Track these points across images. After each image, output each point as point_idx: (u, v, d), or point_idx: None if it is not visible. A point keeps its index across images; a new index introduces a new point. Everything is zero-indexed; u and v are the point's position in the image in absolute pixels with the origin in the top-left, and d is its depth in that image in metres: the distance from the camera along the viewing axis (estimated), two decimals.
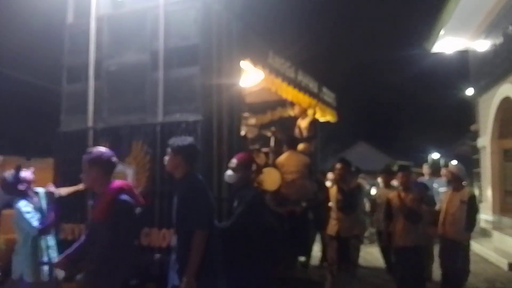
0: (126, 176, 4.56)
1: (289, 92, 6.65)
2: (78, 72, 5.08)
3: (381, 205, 6.39)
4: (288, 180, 6.23)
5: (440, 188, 8.01)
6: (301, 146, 6.89)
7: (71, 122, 5.07)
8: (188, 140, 3.42)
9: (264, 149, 6.84)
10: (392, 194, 5.69)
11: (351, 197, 5.82)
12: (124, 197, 3.11)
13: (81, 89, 5.02)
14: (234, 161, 4.08)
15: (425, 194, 5.86)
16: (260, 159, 6.30)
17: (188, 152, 3.34)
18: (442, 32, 11.32)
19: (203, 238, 3.08)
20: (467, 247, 5.66)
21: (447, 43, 12.14)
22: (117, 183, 3.22)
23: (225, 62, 4.67)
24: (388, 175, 6.93)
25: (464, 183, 5.84)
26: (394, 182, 6.83)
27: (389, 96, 31.23)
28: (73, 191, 4.69)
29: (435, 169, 9.61)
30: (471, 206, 5.55)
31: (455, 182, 5.78)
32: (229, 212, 4.03)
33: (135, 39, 4.77)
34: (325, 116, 7.82)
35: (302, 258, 7.08)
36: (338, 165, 6.05)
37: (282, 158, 6.51)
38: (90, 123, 4.91)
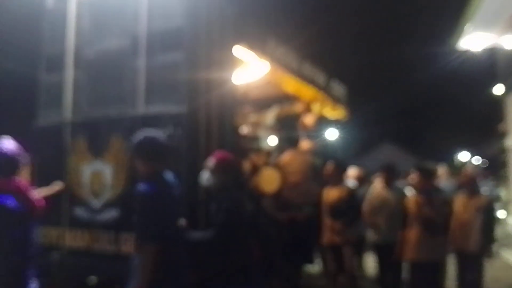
0: (102, 175, 4.09)
1: (292, 85, 6.08)
2: (58, 60, 4.61)
3: (377, 208, 5.50)
4: (290, 182, 5.66)
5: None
6: (305, 145, 6.31)
7: (48, 115, 4.60)
8: (144, 135, 2.87)
9: (266, 148, 6.27)
10: (409, 199, 4.92)
11: (344, 202, 5.33)
12: None
13: (60, 80, 4.55)
14: (212, 161, 3.48)
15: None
16: (260, 159, 5.74)
17: (145, 150, 2.81)
18: (468, 27, 10.72)
19: (151, 254, 2.62)
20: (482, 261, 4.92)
21: (474, 39, 11.64)
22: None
23: (215, 48, 4.11)
24: (389, 173, 5.95)
25: (484, 188, 5.15)
26: (401, 184, 6.18)
27: (415, 95, 30.11)
28: (49, 193, 4.24)
29: (454, 170, 8.92)
30: (489, 216, 4.87)
31: (470, 186, 5.01)
32: (207, 219, 3.48)
33: (116, 23, 4.27)
34: (334, 113, 7.23)
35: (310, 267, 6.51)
36: (328, 166, 5.62)
37: (284, 158, 5.95)
38: (67, 116, 4.43)
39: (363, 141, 28.44)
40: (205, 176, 3.45)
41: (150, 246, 2.64)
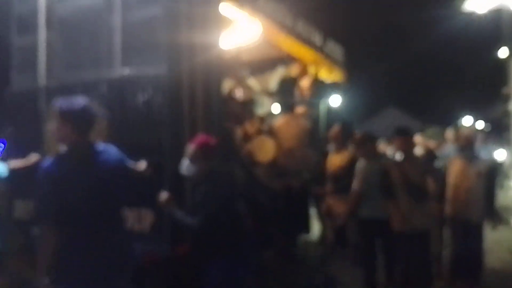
0: None
1: (287, 46, 5.71)
2: (30, 21, 4.24)
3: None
4: (285, 149, 5.38)
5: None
6: (300, 110, 5.99)
7: (22, 80, 4.27)
8: (81, 103, 2.48)
9: (259, 114, 5.94)
10: (390, 165, 4.21)
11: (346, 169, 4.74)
12: None
13: (33, 42, 4.19)
14: (191, 148, 3.08)
15: (430, 165, 4.90)
16: (253, 125, 5.43)
17: (80, 120, 2.42)
18: None
19: (46, 233, 2.31)
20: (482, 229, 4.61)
21: (479, 0, 11.24)
22: None
23: (199, 4, 3.74)
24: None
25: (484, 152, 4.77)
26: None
27: (419, 58, 29.32)
28: (24, 165, 3.98)
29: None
30: (491, 181, 4.52)
31: (468, 149, 4.61)
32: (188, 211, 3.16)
33: None
34: (331, 75, 6.86)
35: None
36: (334, 128, 5.22)
37: (279, 123, 5.65)
38: (41, 81, 4.10)
39: (366, 106, 27.89)
40: (185, 165, 3.09)
41: (45, 227, 2.33)
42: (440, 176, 4.51)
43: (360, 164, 4.34)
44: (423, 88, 32.84)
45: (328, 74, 6.84)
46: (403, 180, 3.94)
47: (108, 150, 2.57)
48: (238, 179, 4.02)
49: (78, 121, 2.42)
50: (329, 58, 6.57)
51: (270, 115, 6.03)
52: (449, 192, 4.48)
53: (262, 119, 5.80)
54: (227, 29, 4.67)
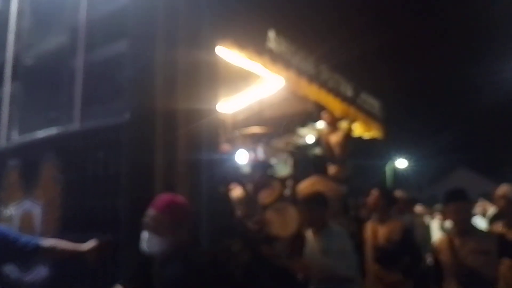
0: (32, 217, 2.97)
1: (313, 96, 4.83)
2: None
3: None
4: None
5: None
6: (332, 170, 4.93)
7: None
8: None
9: (280, 176, 4.93)
10: (441, 241, 3.14)
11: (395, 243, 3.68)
12: None
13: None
14: (151, 213, 2.10)
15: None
16: (274, 189, 4.44)
17: None
18: None
19: None
20: None
21: None
22: None
23: (183, 36, 2.93)
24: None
25: None
26: None
27: (492, 112, 27.18)
28: None
29: None
30: None
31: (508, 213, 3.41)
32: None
33: (56, 17, 3.26)
34: (368, 130, 5.84)
35: None
36: (371, 195, 4.10)
37: (305, 186, 4.62)
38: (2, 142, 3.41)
39: (434, 169, 26.09)
40: (145, 239, 2.10)
41: None
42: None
43: None
44: (497, 146, 30.15)
45: (365, 129, 5.84)
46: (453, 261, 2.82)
47: None
48: (237, 259, 3.00)
49: None
50: (363, 110, 5.61)
51: (293, 177, 5.01)
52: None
53: (284, 182, 4.79)
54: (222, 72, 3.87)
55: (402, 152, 21.36)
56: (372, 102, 5.85)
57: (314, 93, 4.78)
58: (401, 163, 21.66)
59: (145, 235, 2.11)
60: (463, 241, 2.84)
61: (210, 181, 2.89)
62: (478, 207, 6.27)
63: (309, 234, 3.22)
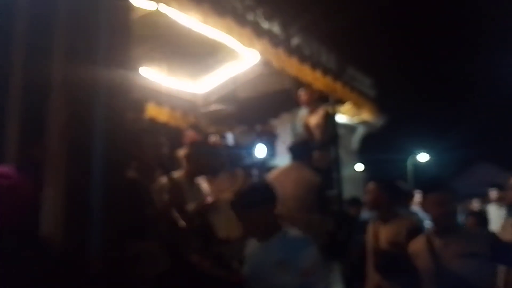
0: None
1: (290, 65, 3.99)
2: None
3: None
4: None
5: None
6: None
7: None
8: None
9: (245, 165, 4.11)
10: (417, 243, 2.66)
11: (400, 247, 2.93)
12: None
13: None
14: None
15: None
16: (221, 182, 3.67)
17: None
18: None
19: None
20: None
21: None
22: None
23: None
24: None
25: None
26: None
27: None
28: None
29: None
30: None
31: None
32: None
33: None
34: (360, 112, 4.99)
35: None
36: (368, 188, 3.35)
37: (274, 175, 3.85)
38: None
39: (456, 163, 25.25)
40: None
41: None
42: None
43: None
44: None
45: (356, 110, 5.00)
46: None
47: None
48: (146, 269, 2.22)
49: None
50: (353, 88, 4.76)
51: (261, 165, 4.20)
52: None
53: (248, 172, 3.99)
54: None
55: (423, 146, 20.82)
56: (362, 79, 4.99)
57: (294, 68, 3.97)
58: (423, 157, 21.02)
59: None
60: (445, 241, 2.40)
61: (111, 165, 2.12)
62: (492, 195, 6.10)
63: (252, 241, 2.39)
